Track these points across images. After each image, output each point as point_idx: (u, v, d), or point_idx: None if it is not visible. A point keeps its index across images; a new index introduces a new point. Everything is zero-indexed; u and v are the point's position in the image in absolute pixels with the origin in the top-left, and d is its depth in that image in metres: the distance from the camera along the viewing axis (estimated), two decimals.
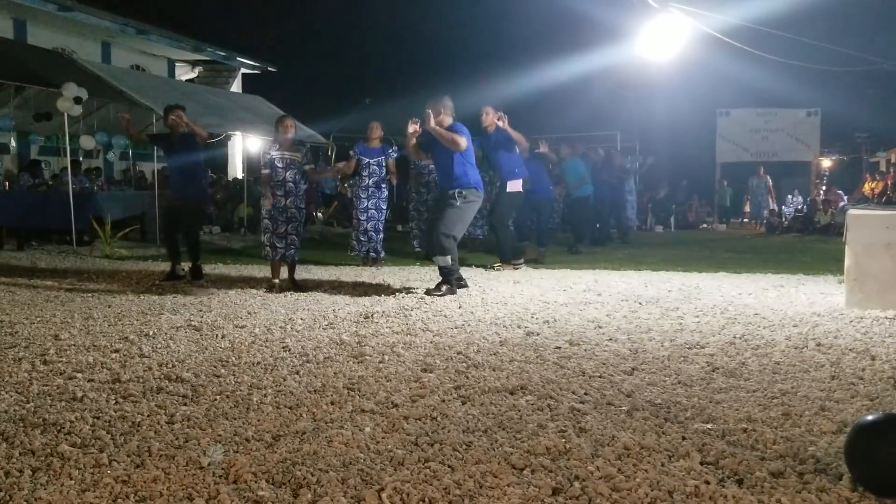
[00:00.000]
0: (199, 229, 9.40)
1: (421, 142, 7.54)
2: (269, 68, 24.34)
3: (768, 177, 20.37)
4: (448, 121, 7.20)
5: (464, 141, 7.06)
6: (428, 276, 8.24)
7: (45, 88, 12.78)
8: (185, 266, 8.04)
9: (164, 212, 8.34)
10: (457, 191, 7.12)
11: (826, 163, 23.61)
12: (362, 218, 9.50)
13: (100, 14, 17.38)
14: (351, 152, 9.66)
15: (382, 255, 9.76)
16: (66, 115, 11.61)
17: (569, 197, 12.78)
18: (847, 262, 6.39)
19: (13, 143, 12.71)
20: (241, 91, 22.94)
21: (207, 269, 8.85)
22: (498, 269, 9.13)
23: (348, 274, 8.75)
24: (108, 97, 13.85)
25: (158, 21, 19.87)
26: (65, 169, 12.82)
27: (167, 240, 8.21)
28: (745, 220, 21.68)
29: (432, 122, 6.96)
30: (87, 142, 13.12)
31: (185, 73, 23.03)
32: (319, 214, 18.93)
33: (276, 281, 7.37)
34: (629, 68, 16.42)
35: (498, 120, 8.91)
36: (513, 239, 9.78)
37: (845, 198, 20.32)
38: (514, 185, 9.13)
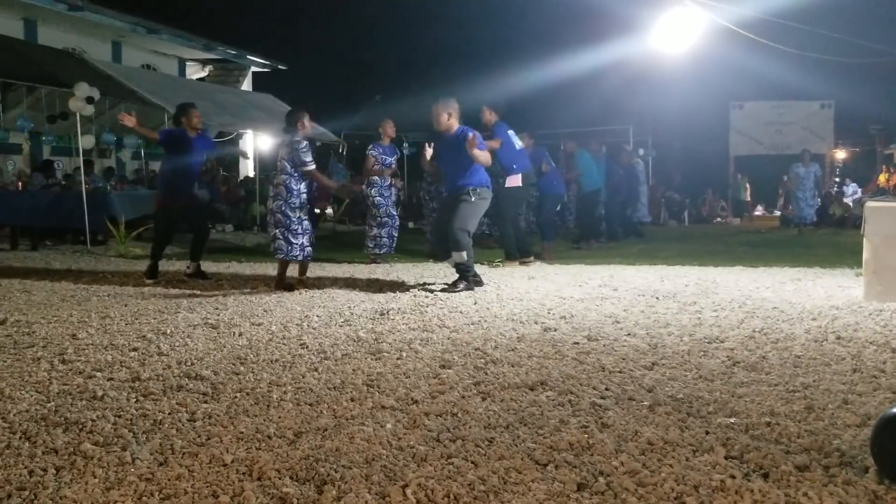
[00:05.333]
0: None
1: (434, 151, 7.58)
2: (280, 66, 24.37)
3: (818, 166, 17.09)
4: (455, 124, 7.19)
5: (489, 156, 7.19)
6: (442, 272, 8.23)
7: (56, 88, 12.83)
8: (189, 266, 8.02)
9: (166, 214, 8.10)
10: (470, 188, 7.12)
11: (840, 155, 23.46)
12: (394, 214, 9.57)
13: (110, 13, 17.44)
14: (374, 154, 9.58)
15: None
16: (78, 115, 11.65)
17: (578, 192, 12.64)
18: (865, 254, 6.35)
19: (27, 142, 12.77)
20: (251, 89, 22.98)
21: (221, 267, 8.88)
22: (498, 266, 9.12)
23: (362, 271, 8.76)
24: (120, 97, 13.89)
25: (169, 20, 19.94)
26: (78, 169, 12.87)
27: (165, 242, 8.12)
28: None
29: (475, 150, 6.98)
30: (86, 141, 13.07)
31: (195, 72, 23.08)
32: (330, 211, 18.93)
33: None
34: (643, 61, 16.36)
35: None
36: (522, 235, 9.77)
37: (859, 190, 20.18)
38: (513, 181, 9.12)
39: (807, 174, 15.89)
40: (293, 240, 7.20)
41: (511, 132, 9.16)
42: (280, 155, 7.27)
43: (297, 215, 7.20)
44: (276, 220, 7.20)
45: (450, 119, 7.18)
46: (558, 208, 11.90)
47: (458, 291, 6.91)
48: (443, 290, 7.02)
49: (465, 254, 7.07)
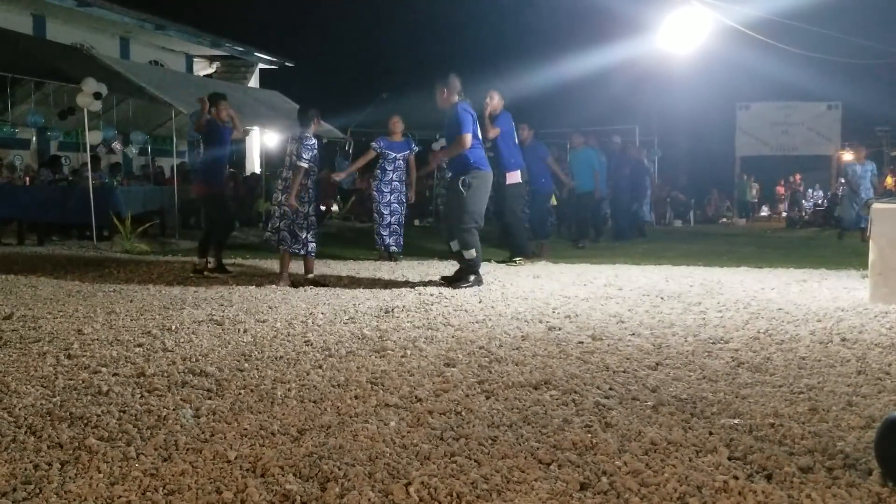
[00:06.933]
0: None
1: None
2: (287, 63, 24.38)
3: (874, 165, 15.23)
4: (454, 99, 7.20)
5: (468, 138, 7.08)
6: (448, 270, 8.23)
7: (64, 84, 12.86)
8: (205, 260, 8.05)
9: (217, 202, 8.20)
10: (462, 179, 7.15)
11: (847, 157, 23.40)
12: (385, 212, 9.54)
13: (118, 9, 17.48)
14: (373, 144, 9.63)
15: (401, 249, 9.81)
16: (85, 110, 11.68)
17: (575, 190, 12.16)
18: (871, 256, 6.33)
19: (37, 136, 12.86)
20: (258, 86, 23.00)
21: (226, 263, 8.88)
22: (519, 264, 9.10)
23: (367, 268, 8.76)
24: (127, 93, 13.93)
25: (176, 16, 19.97)
26: (85, 164, 12.90)
27: (226, 232, 8.20)
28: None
29: (439, 157, 7.12)
30: (93, 136, 13.10)
31: (202, 69, 23.11)
32: (336, 208, 18.95)
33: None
34: (649, 61, 16.34)
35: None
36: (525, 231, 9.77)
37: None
38: (513, 177, 9.05)
39: (864, 172, 14.29)
40: (298, 233, 7.24)
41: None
42: (289, 150, 7.31)
43: (305, 210, 7.23)
44: (283, 212, 7.22)
45: (445, 95, 7.19)
46: (551, 204, 11.75)
47: (468, 286, 6.94)
48: (451, 285, 7.05)
49: (472, 251, 7.09)
